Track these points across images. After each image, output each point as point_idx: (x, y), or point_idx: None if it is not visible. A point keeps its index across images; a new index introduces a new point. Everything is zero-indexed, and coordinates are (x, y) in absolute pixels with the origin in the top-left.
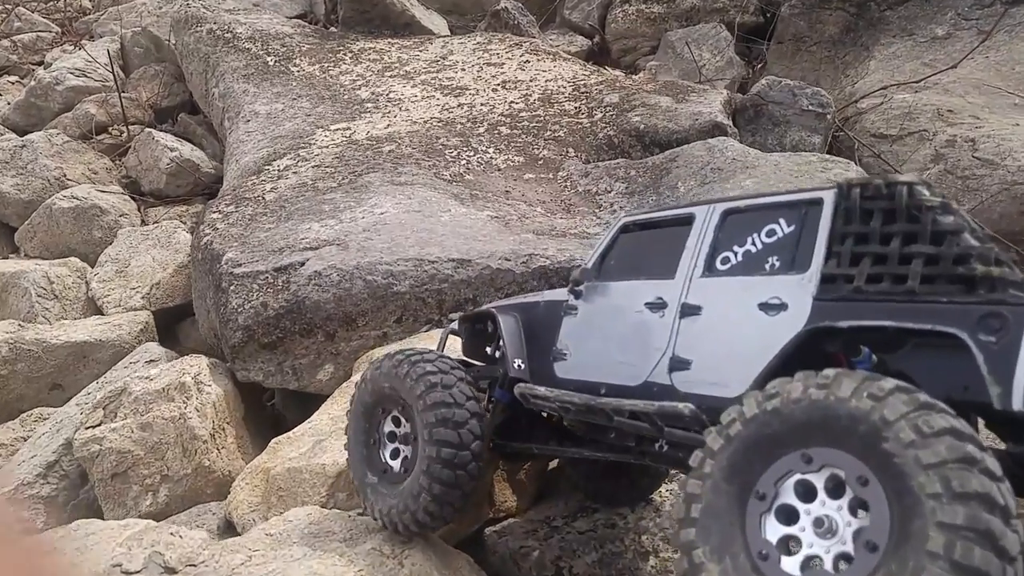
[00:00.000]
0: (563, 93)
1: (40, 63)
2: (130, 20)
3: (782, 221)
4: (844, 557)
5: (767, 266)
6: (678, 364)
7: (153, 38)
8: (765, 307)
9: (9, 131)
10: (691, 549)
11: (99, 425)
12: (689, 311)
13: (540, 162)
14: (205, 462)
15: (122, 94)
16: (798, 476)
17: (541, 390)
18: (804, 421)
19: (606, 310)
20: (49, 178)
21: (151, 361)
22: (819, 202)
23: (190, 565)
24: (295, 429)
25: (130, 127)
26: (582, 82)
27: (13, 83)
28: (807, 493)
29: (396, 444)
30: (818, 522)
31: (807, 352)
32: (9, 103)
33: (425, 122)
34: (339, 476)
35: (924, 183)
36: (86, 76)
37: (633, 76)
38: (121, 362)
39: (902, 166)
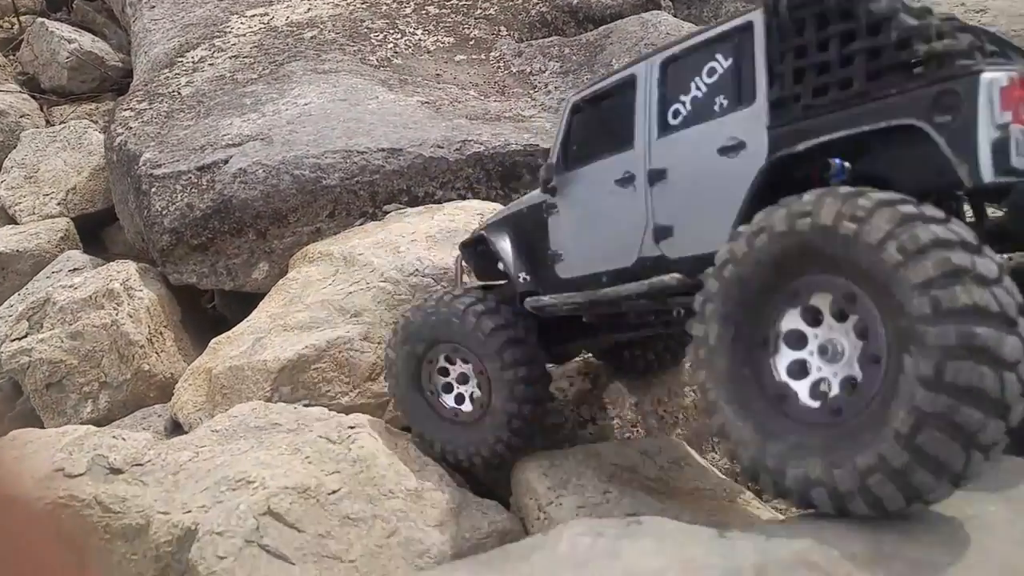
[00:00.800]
0: None
1: None
2: None
3: (719, 57)
4: (851, 380)
5: (716, 107)
6: (662, 233)
7: None
8: (724, 151)
9: None
10: (705, 390)
11: (25, 337)
12: (656, 177)
13: (471, 42)
14: (145, 366)
15: None
16: (800, 307)
17: (546, 299)
18: (797, 253)
19: (583, 199)
20: None
21: (75, 270)
22: (749, 27)
23: (136, 464)
24: (234, 328)
25: (21, 18)
26: None
27: None
28: (814, 318)
29: (458, 389)
30: (822, 349)
31: (781, 180)
32: None
33: (348, 4)
34: (281, 371)
35: None
36: None
37: None
38: (43, 272)
39: None
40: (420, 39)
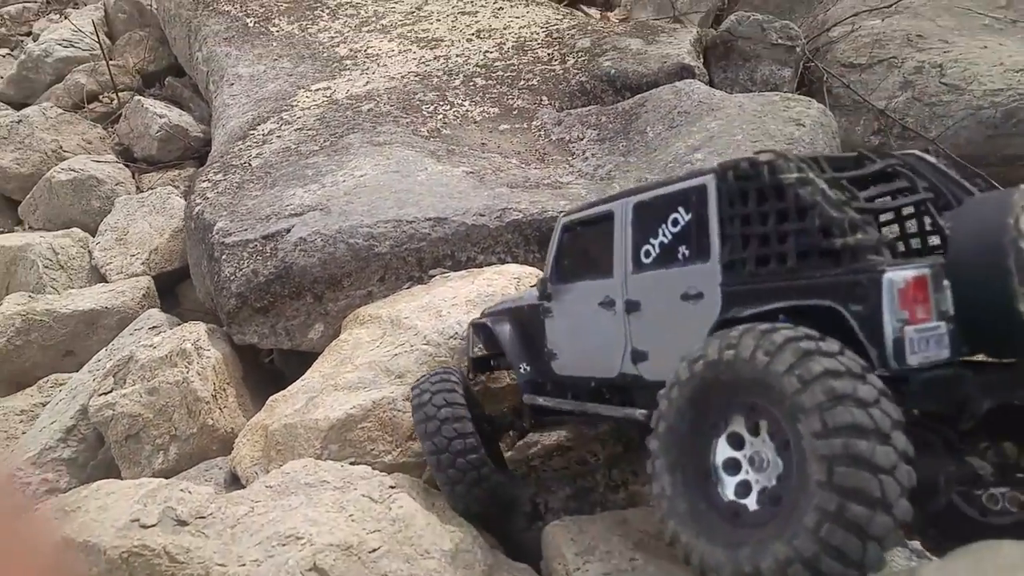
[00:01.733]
0: (536, 40)
1: (28, 34)
2: None
3: (681, 209)
4: (769, 491)
5: (679, 256)
6: (638, 356)
7: (136, 3)
8: (686, 297)
9: (4, 104)
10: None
11: (110, 392)
12: (632, 307)
13: (515, 112)
14: (209, 421)
15: (109, 62)
16: (725, 433)
17: (540, 400)
18: (724, 378)
19: (573, 311)
20: (46, 151)
21: (154, 327)
22: (703, 189)
23: (199, 517)
24: (290, 387)
25: (119, 94)
26: (555, 27)
27: (3, 56)
28: (739, 441)
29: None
30: (751, 460)
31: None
32: (2, 76)
33: (403, 77)
34: (331, 429)
35: (785, 157)
36: (74, 46)
37: (608, 14)
38: (127, 328)
39: (870, 95)
40: (467, 110)
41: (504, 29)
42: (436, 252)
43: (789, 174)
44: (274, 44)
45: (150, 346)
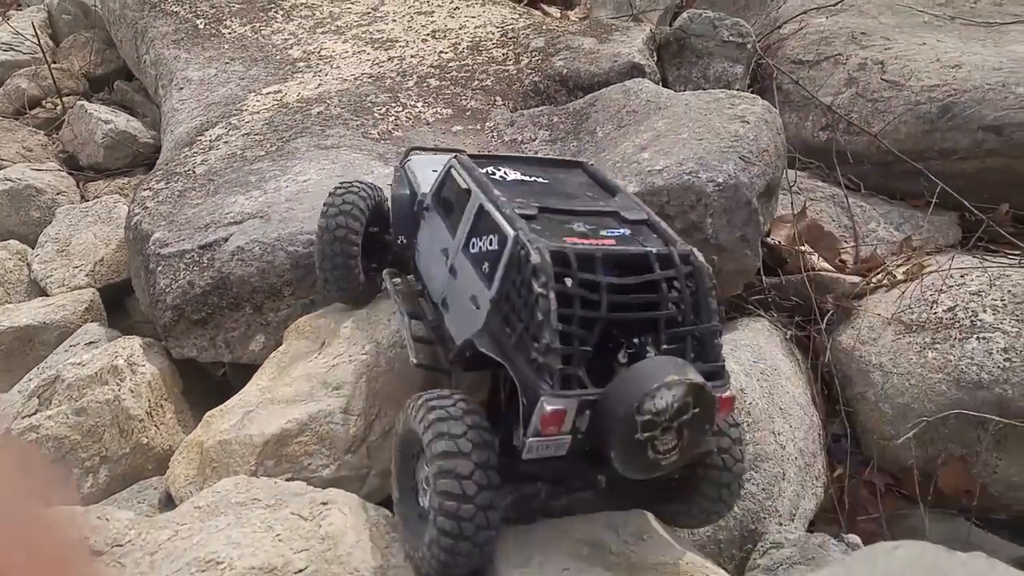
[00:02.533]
0: (491, 40)
1: None
2: None
3: (494, 238)
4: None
5: (483, 268)
6: (445, 304)
7: (80, 4)
8: (473, 300)
9: None
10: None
11: (35, 414)
12: (452, 272)
13: (468, 113)
14: (143, 440)
15: (53, 65)
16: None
17: (389, 284)
18: (405, 437)
19: (430, 234)
20: None
21: (91, 343)
22: (506, 239)
23: (117, 546)
24: (227, 402)
25: (64, 99)
26: (510, 27)
27: None
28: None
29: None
30: (425, 480)
31: None
32: None
33: (355, 79)
34: (266, 445)
35: (546, 266)
36: (14, 50)
37: (568, 13)
38: (61, 345)
39: (818, 91)
40: (420, 111)
41: (460, 29)
42: None
43: (540, 286)
44: (226, 46)
45: (78, 364)
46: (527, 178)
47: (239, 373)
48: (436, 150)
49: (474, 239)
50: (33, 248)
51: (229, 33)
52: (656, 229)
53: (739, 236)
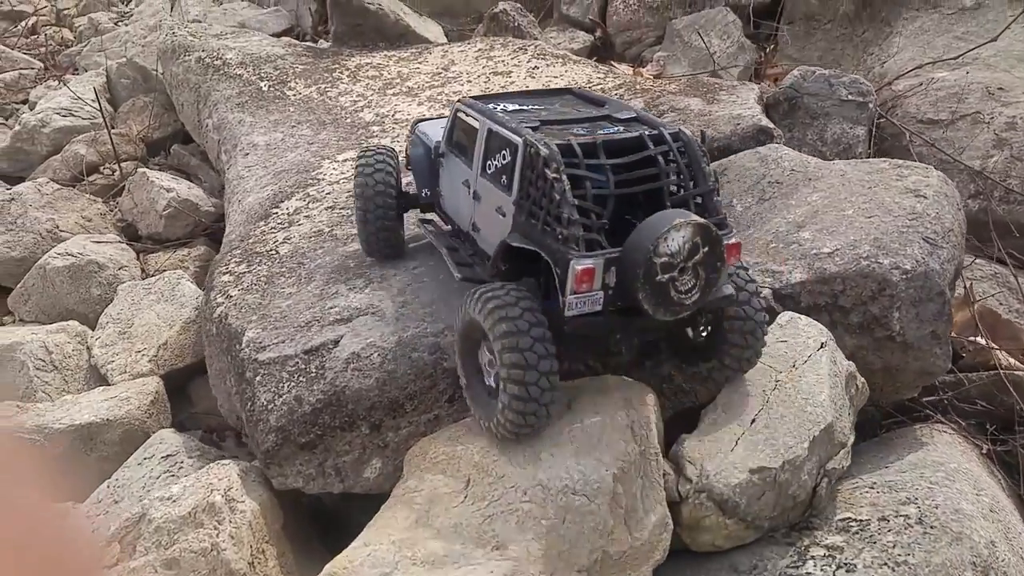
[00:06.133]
0: None
1: (24, 101)
2: (115, 51)
3: (506, 151)
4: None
5: (501, 181)
6: (475, 227)
7: (140, 68)
8: (499, 211)
9: None
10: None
11: (115, 564)
12: (477, 196)
13: None
14: None
15: (111, 130)
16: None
17: (422, 227)
18: (467, 328)
19: (451, 174)
20: (41, 231)
21: (167, 456)
22: (516, 146)
23: None
24: (351, 555)
25: (122, 164)
26: (599, 87)
27: None
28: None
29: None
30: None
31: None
32: None
33: None
34: None
35: (557, 151)
36: (73, 115)
37: (641, 70)
38: (132, 458)
39: (961, 154)
40: None
41: None
42: None
43: (553, 172)
44: (291, 109)
45: (168, 499)
46: (525, 107)
47: (345, 498)
48: (440, 117)
49: (489, 161)
50: (93, 329)
51: (294, 95)
52: (645, 121)
53: (929, 332)
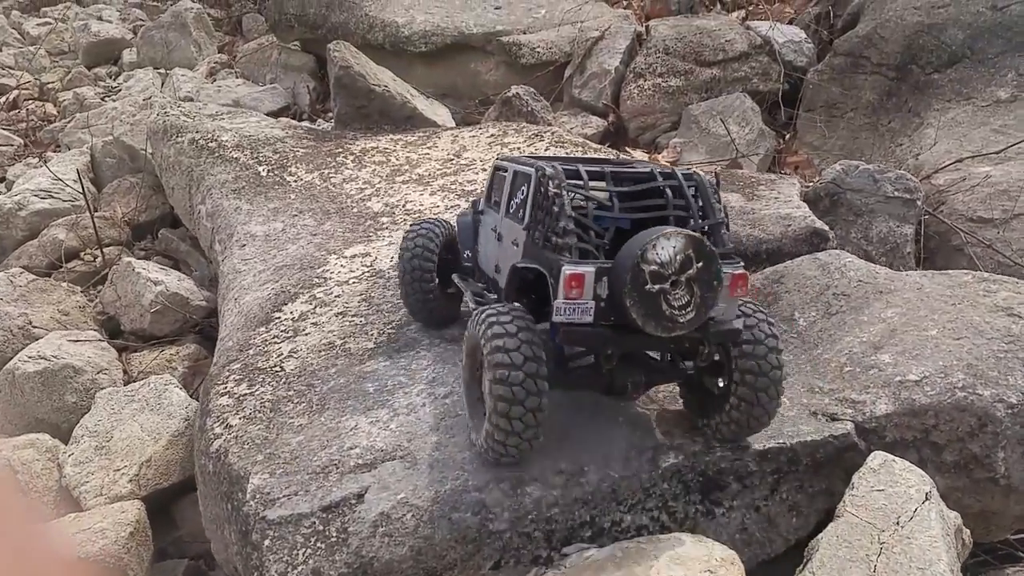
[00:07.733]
0: None
1: (1, 179)
2: (100, 127)
3: (524, 188)
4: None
5: (519, 216)
6: (498, 268)
7: (127, 147)
8: (513, 243)
9: None
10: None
11: None
12: (500, 237)
13: None
14: None
15: (94, 213)
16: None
17: (458, 281)
18: (471, 347)
19: (484, 228)
20: (12, 328)
21: None
22: (530, 176)
23: None
24: None
25: (105, 249)
26: None
27: None
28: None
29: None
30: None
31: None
32: None
33: None
34: None
35: (560, 178)
36: (52, 196)
37: (657, 156)
38: None
39: (1022, 257)
40: None
41: None
42: (571, 517)
43: (554, 188)
44: (292, 196)
45: None
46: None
47: None
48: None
49: (512, 200)
50: (66, 443)
51: (295, 181)
52: (663, 171)
53: None
